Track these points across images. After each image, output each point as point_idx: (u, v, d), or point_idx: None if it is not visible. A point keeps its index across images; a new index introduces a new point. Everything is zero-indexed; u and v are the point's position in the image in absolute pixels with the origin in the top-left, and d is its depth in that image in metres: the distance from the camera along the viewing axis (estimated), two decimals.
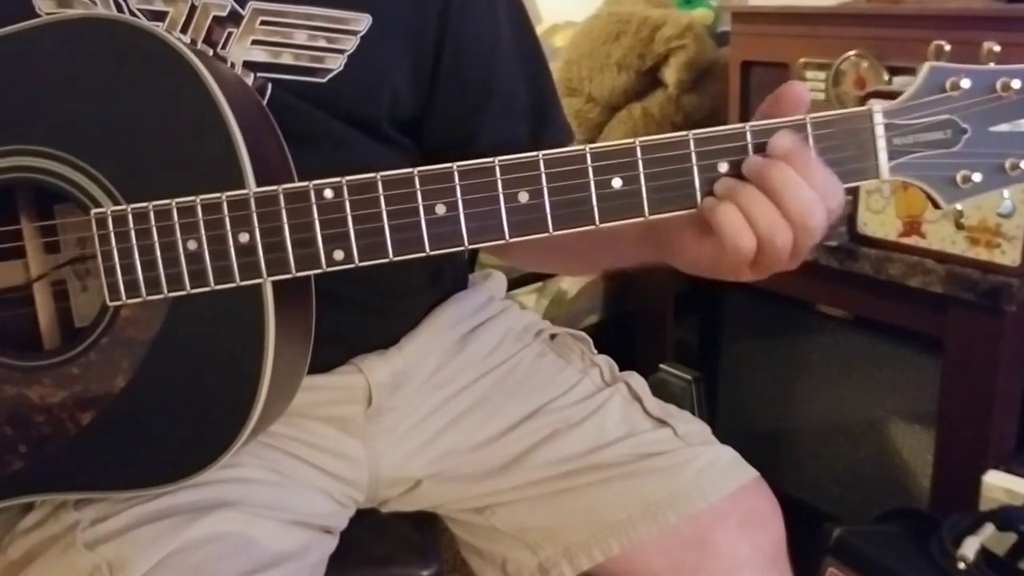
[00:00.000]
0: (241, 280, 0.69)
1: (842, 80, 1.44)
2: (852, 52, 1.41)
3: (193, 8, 0.80)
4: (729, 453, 0.94)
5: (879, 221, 1.38)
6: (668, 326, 1.84)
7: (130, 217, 0.69)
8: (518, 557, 0.94)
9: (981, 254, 1.28)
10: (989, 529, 1.14)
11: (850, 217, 1.42)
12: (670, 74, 1.76)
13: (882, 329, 1.55)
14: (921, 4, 1.49)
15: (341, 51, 0.83)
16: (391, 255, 0.68)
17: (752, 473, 0.93)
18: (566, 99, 1.87)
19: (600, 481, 0.91)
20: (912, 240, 1.35)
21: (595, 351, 1.05)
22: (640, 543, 0.88)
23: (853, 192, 1.40)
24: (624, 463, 0.92)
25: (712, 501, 0.88)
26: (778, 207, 0.66)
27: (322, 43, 0.82)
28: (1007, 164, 0.67)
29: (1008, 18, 1.27)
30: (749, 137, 0.67)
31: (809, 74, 1.49)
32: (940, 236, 1.32)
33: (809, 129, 0.67)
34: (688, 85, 1.77)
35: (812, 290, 1.56)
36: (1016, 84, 0.66)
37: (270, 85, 0.81)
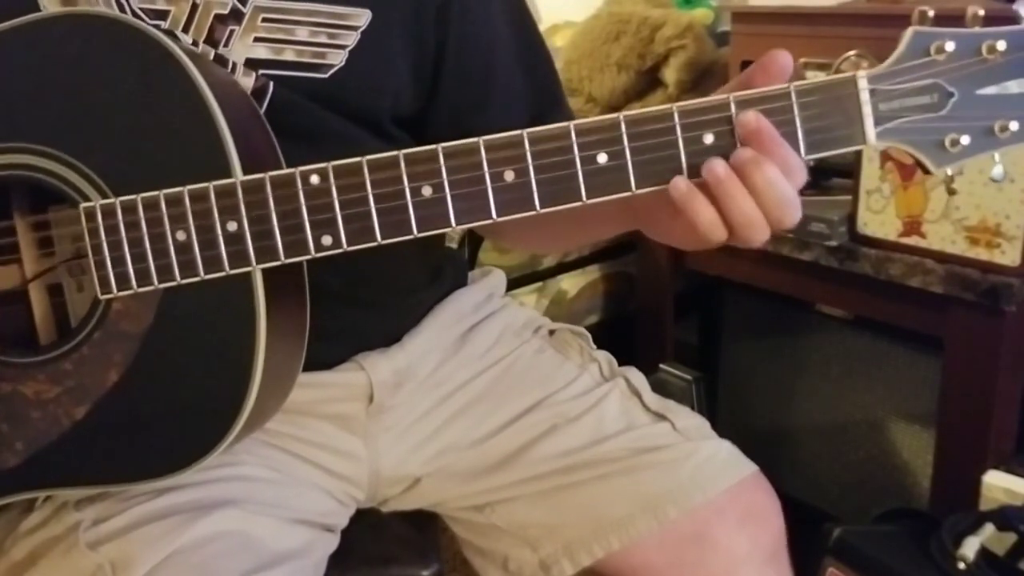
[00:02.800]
0: (230, 268, 0.69)
1: None
2: (852, 52, 1.40)
3: (195, 7, 0.80)
4: (728, 447, 0.94)
5: (879, 221, 1.38)
6: (668, 326, 1.83)
7: (119, 210, 0.69)
8: (519, 555, 0.94)
9: (981, 254, 1.28)
10: (989, 529, 1.14)
11: (850, 217, 1.42)
12: (670, 74, 1.76)
13: (882, 329, 1.55)
14: (921, 4, 1.49)
15: (342, 47, 0.83)
16: (379, 238, 0.68)
17: (751, 467, 0.93)
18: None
19: (599, 477, 0.91)
20: (912, 240, 1.35)
21: (594, 347, 1.04)
22: (640, 539, 0.88)
23: (853, 192, 1.41)
24: (623, 458, 0.91)
25: (711, 495, 0.88)
26: (757, 204, 0.66)
27: (323, 39, 0.83)
28: (996, 127, 0.66)
29: (1008, 18, 1.27)
30: (733, 108, 0.66)
31: (809, 74, 1.48)
32: (940, 236, 1.32)
33: (794, 97, 0.66)
34: (688, 85, 1.77)
35: (812, 290, 1.56)
36: (1001, 46, 0.65)
37: (272, 84, 0.82)
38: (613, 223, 0.81)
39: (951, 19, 0.67)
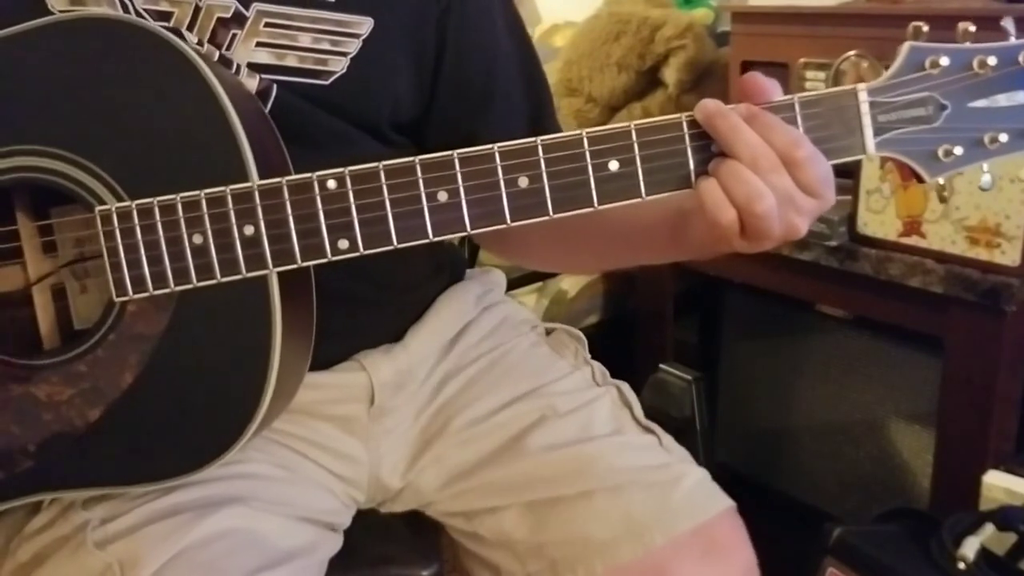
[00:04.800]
0: (247, 272, 0.69)
1: (842, 80, 1.43)
2: (852, 52, 1.41)
3: (197, 9, 0.80)
4: (708, 477, 0.92)
5: (879, 221, 1.38)
6: (668, 326, 1.84)
7: (135, 213, 0.69)
8: (509, 566, 0.93)
9: (981, 254, 1.29)
10: (989, 529, 1.14)
11: (850, 217, 1.42)
12: (670, 74, 1.76)
13: (882, 329, 1.55)
14: (921, 4, 1.49)
15: (344, 54, 0.83)
16: (395, 243, 0.69)
17: (728, 502, 0.91)
18: (566, 99, 1.87)
19: (585, 493, 0.89)
20: (912, 240, 1.35)
21: (588, 353, 1.04)
22: (624, 564, 0.86)
23: (853, 192, 1.41)
24: (610, 476, 0.89)
25: (701, 521, 0.87)
26: (755, 175, 0.67)
27: (326, 46, 0.83)
28: (986, 138, 0.70)
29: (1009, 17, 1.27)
30: None
31: (809, 74, 1.49)
32: (940, 236, 1.32)
33: (797, 108, 0.69)
34: (688, 85, 1.77)
35: (812, 290, 1.56)
36: (992, 61, 0.69)
37: (275, 87, 0.82)
38: (651, 237, 0.82)
39: (944, 18, 0.69)
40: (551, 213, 0.69)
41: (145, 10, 0.79)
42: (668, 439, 0.95)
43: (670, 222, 0.77)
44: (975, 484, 1.29)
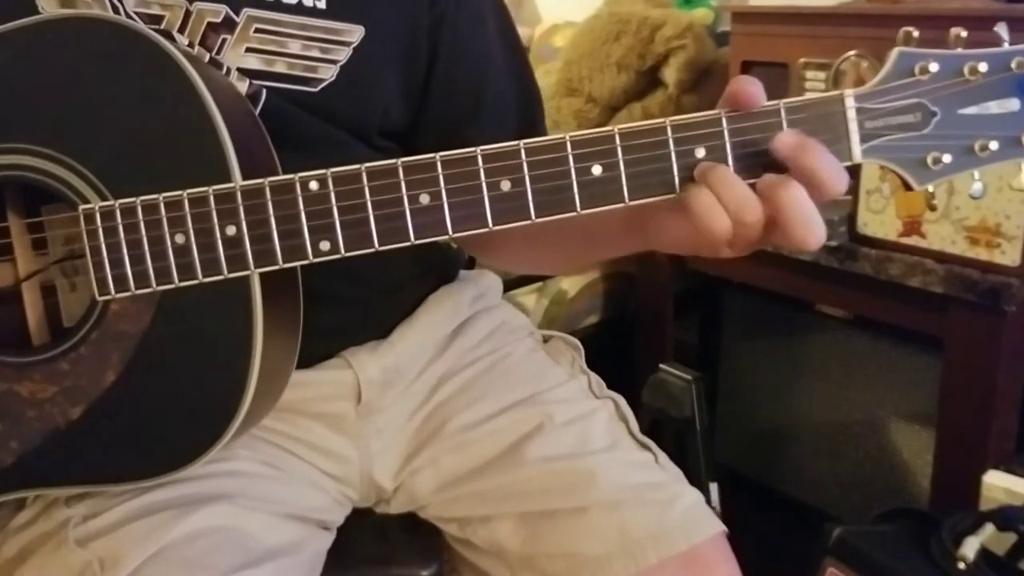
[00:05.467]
0: (229, 272, 0.69)
1: (842, 80, 1.44)
2: (852, 52, 1.41)
3: (188, 13, 0.80)
4: (702, 499, 0.91)
5: (879, 221, 1.38)
6: (668, 326, 1.84)
7: (118, 212, 0.69)
8: (500, 575, 0.93)
9: (981, 254, 1.28)
10: (989, 529, 1.14)
11: (850, 217, 1.42)
12: (670, 74, 1.76)
13: (882, 329, 1.55)
14: (921, 4, 1.49)
15: (334, 61, 0.84)
16: (376, 245, 0.69)
17: (720, 526, 0.90)
18: (566, 99, 1.87)
19: (580, 509, 0.88)
20: (912, 240, 1.35)
21: (584, 362, 1.04)
22: None
23: (853, 192, 1.41)
24: (607, 492, 0.88)
25: (695, 542, 0.86)
26: (745, 184, 0.67)
27: (315, 53, 0.83)
28: (976, 146, 0.68)
29: (1009, 18, 1.27)
30: (725, 123, 0.68)
31: (809, 74, 1.49)
32: (940, 236, 1.32)
33: (783, 114, 0.68)
34: (688, 85, 1.77)
35: (812, 290, 1.56)
36: (983, 68, 0.67)
37: (264, 91, 0.82)
38: (616, 241, 0.82)
39: (943, 19, 0.69)
40: (533, 217, 0.69)
41: (136, 13, 0.79)
42: (663, 457, 0.94)
43: (626, 222, 0.77)
44: (975, 484, 1.29)
